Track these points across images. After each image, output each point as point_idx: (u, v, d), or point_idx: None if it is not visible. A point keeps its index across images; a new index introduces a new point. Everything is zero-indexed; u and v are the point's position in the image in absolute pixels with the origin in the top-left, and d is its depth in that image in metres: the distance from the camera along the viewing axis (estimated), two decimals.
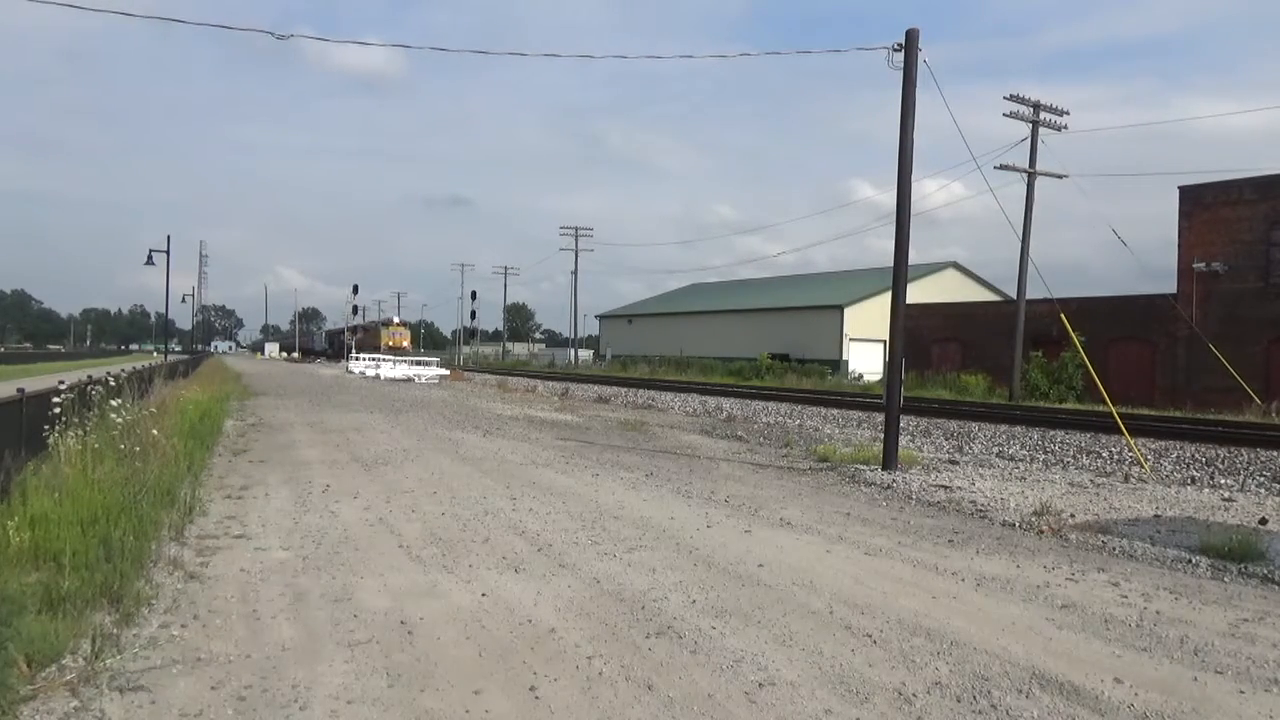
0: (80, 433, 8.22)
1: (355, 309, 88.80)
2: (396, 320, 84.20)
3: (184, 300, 72.49)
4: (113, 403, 10.11)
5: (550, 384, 40.47)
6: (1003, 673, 4.48)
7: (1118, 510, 9.41)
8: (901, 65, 12.35)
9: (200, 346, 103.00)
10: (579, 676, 4.35)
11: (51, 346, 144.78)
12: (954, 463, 13.30)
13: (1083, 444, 15.48)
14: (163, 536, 6.76)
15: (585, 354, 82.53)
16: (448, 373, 45.53)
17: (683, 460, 13.20)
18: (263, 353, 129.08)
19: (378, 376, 43.74)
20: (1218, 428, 18.22)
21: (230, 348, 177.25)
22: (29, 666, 4.10)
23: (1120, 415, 15.03)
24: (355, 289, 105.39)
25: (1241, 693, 4.32)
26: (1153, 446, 14.79)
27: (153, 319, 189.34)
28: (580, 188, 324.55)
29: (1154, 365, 36.13)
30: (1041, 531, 8.26)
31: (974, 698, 4.16)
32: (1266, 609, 5.80)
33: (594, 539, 7.44)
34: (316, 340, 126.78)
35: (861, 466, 12.34)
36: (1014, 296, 33.71)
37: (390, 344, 74.43)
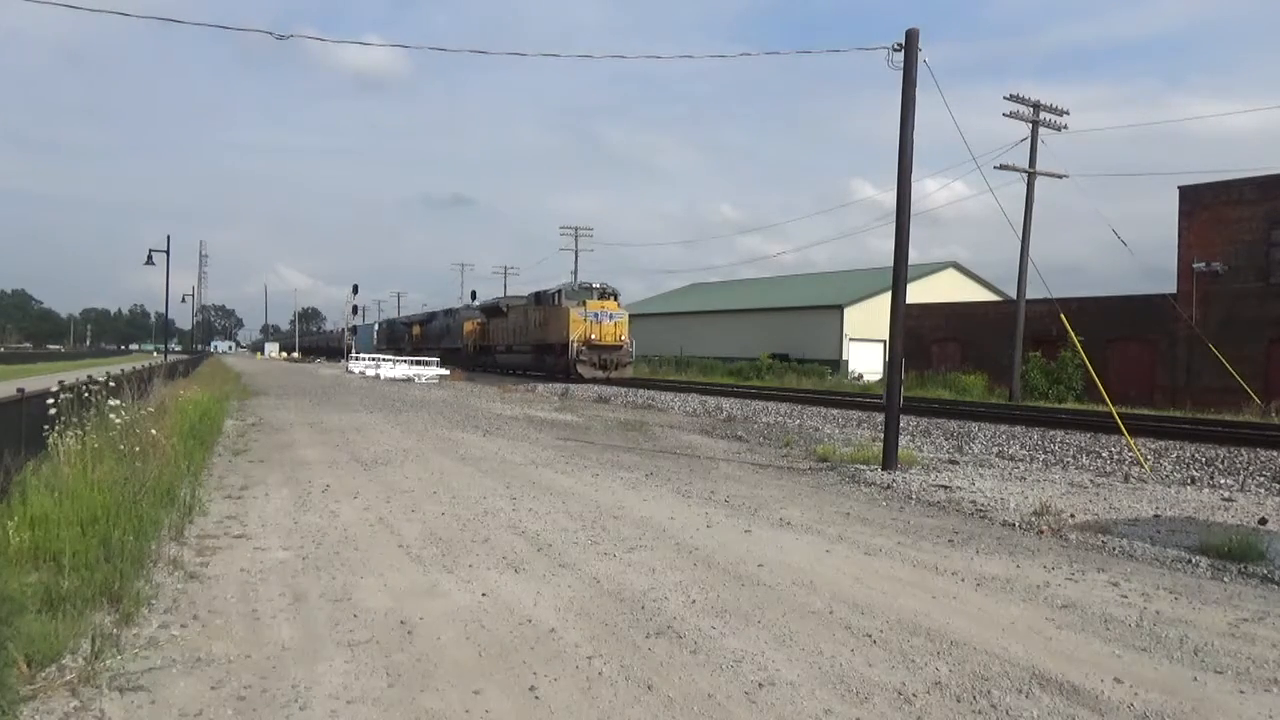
0: (79, 433, 8.21)
1: (355, 309, 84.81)
2: (596, 287, 41.25)
3: (184, 300, 71.99)
4: (112, 403, 10.10)
5: (550, 384, 40.44)
6: (1003, 673, 4.48)
7: (1118, 510, 9.41)
8: (901, 65, 12.35)
9: (200, 346, 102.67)
10: (579, 676, 4.35)
11: (51, 346, 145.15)
12: (954, 463, 13.29)
13: (1083, 444, 15.47)
14: (162, 536, 6.75)
15: None
16: (448, 372, 45.48)
17: (683, 460, 13.20)
18: (263, 353, 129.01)
19: (378, 376, 43.72)
20: (1218, 428, 18.21)
21: (230, 348, 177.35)
22: (29, 666, 4.10)
23: (1120, 415, 15.03)
24: (355, 289, 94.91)
25: (1241, 693, 4.32)
26: (1153, 446, 14.78)
27: (153, 319, 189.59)
28: (581, 187, 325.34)
29: (1154, 365, 36.12)
30: (1041, 531, 8.26)
31: (974, 698, 4.16)
32: (1266, 609, 5.80)
33: (594, 539, 7.44)
34: (363, 338, 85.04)
35: (861, 466, 12.34)
36: (1014, 296, 33.71)
37: (593, 337, 38.07)
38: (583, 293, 41.19)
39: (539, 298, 44.11)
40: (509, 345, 47.72)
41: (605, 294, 41.08)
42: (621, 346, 39.20)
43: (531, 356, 43.69)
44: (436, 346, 61.80)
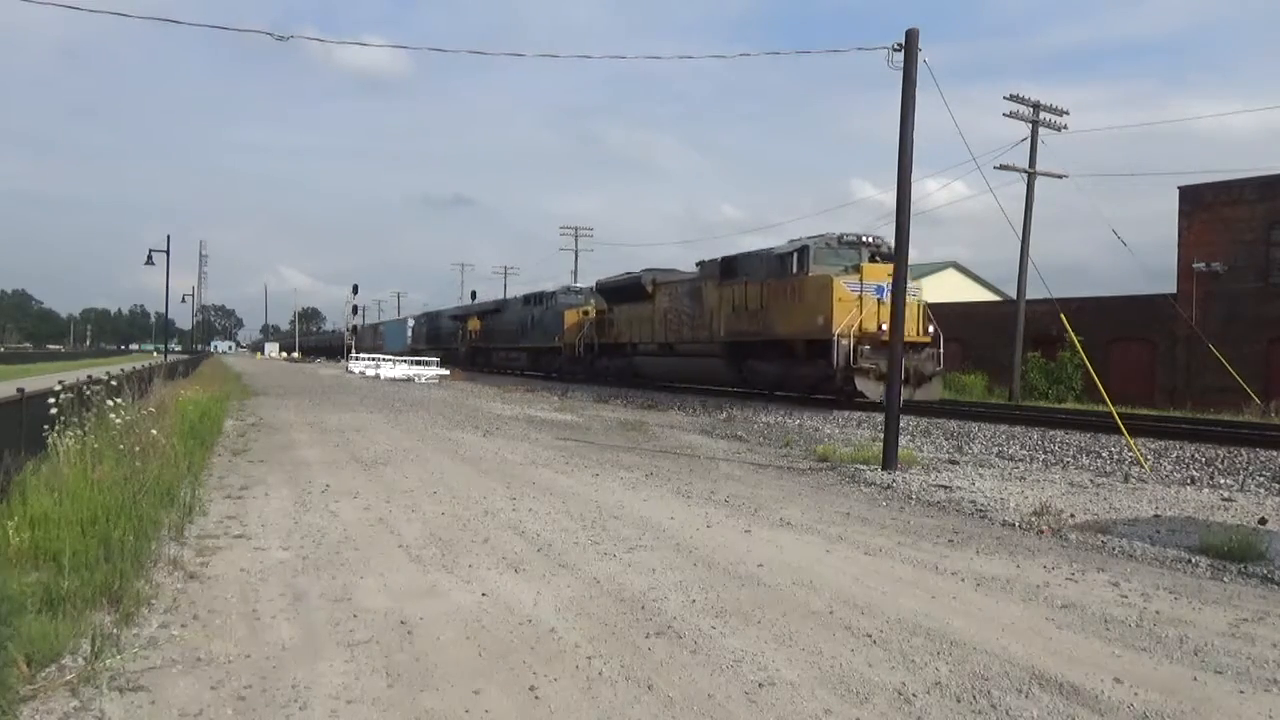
0: (79, 433, 8.21)
1: (355, 309, 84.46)
2: (868, 242, 22.82)
3: (184, 300, 72.15)
4: (112, 403, 10.10)
5: (550, 383, 40.43)
6: (1002, 673, 4.48)
7: (1118, 510, 9.41)
8: (901, 65, 12.35)
9: (200, 346, 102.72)
10: (579, 676, 4.35)
11: (51, 346, 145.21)
12: (954, 463, 13.29)
13: (1083, 444, 15.46)
14: (162, 536, 6.76)
15: None
16: (448, 372, 45.47)
17: (683, 460, 13.20)
18: (263, 353, 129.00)
19: (378, 376, 43.74)
20: (1218, 428, 18.20)
21: (230, 348, 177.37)
22: (29, 666, 4.10)
23: (1120, 415, 15.03)
24: (355, 289, 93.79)
25: (1241, 693, 4.32)
26: (1152, 446, 14.77)
27: (153, 319, 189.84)
28: (581, 187, 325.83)
29: (1154, 365, 36.10)
30: (1041, 531, 8.26)
31: (974, 698, 4.16)
32: (1266, 609, 5.80)
33: (594, 539, 7.44)
34: (392, 336, 73.14)
35: (861, 466, 12.34)
36: (1014, 296, 33.72)
37: (881, 328, 19.94)
38: (847, 251, 22.85)
39: (729, 265, 25.61)
40: (661, 343, 29.36)
41: (879, 252, 22.69)
42: (925, 345, 22.22)
43: (723, 360, 26.00)
44: (513, 346, 46.31)
